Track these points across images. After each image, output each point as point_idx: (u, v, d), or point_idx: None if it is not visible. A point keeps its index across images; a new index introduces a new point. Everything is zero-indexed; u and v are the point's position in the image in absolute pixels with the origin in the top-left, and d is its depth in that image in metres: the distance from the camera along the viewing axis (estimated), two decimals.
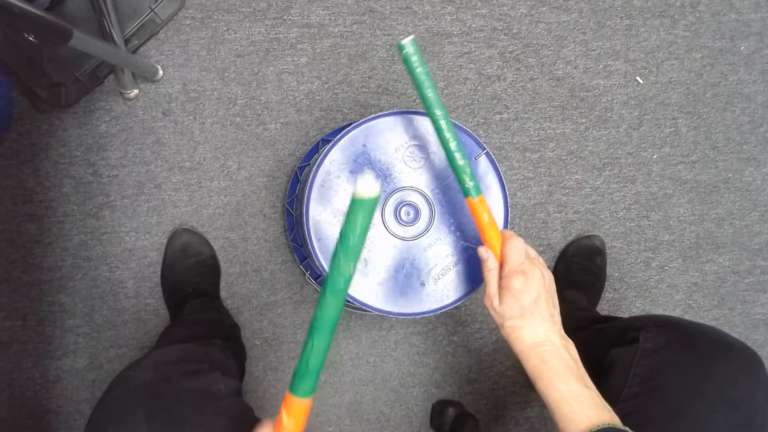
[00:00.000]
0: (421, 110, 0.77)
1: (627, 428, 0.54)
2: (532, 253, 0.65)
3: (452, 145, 0.65)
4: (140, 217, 1.04)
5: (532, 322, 0.61)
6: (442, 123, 0.65)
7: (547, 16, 1.13)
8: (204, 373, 0.64)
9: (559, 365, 0.58)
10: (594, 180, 1.14)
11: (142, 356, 0.66)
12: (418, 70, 0.63)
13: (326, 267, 0.75)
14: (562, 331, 0.62)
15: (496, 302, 0.63)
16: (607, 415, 0.55)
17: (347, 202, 0.75)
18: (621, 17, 1.14)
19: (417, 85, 0.64)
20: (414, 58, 0.62)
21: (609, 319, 0.90)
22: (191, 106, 1.05)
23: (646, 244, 1.15)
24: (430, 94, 0.64)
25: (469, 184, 0.66)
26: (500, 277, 0.64)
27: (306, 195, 0.75)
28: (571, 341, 0.62)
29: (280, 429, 0.48)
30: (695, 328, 0.68)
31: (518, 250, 0.63)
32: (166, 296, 1.04)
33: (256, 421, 0.64)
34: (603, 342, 0.76)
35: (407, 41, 0.61)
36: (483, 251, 0.66)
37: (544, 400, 0.58)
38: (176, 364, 0.64)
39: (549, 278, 0.64)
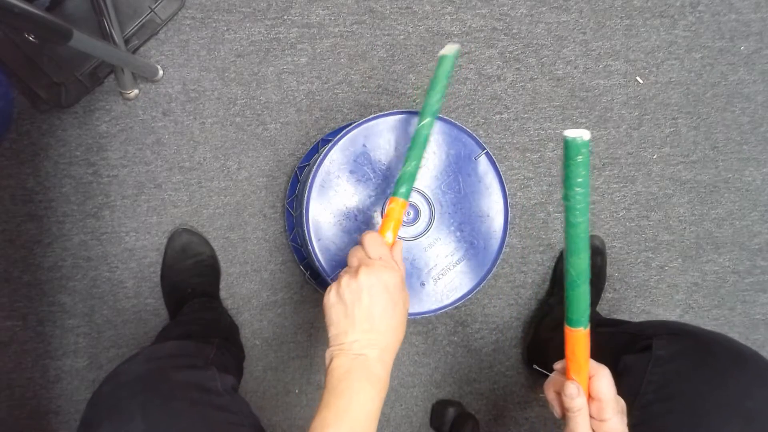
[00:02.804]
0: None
1: None
2: None
3: (584, 259, 0.53)
4: (140, 217, 1.04)
5: None
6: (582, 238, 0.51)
7: (547, 16, 1.13)
8: (199, 368, 0.63)
9: None
10: (594, 180, 1.14)
11: (135, 352, 0.65)
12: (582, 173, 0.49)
13: (326, 267, 0.75)
14: None
15: None
16: None
17: (347, 202, 0.76)
18: (621, 17, 1.14)
19: (573, 183, 0.49)
20: (580, 158, 0.48)
21: (614, 323, 0.89)
22: (191, 106, 1.05)
23: (646, 244, 1.15)
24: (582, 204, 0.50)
25: (584, 313, 0.55)
26: (591, 416, 0.55)
27: (306, 195, 0.75)
28: None
29: (387, 221, 0.66)
30: (708, 336, 0.67)
31: (612, 382, 0.55)
32: (166, 296, 1.04)
33: (254, 417, 0.64)
34: (612, 347, 0.76)
35: (582, 137, 0.47)
36: (573, 387, 0.54)
37: None
38: (170, 357, 0.63)
39: None
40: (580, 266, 0.52)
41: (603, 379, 0.55)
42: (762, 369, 0.62)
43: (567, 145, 0.47)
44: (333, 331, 0.59)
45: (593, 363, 0.56)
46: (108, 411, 0.56)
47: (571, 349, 0.56)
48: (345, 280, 0.59)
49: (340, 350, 0.57)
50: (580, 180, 0.48)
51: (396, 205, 0.66)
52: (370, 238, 0.62)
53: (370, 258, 0.61)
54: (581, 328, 0.55)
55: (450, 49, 0.70)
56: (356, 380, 0.55)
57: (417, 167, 0.68)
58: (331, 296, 0.60)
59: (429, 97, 0.69)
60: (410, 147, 0.69)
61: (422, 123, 0.68)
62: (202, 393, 0.60)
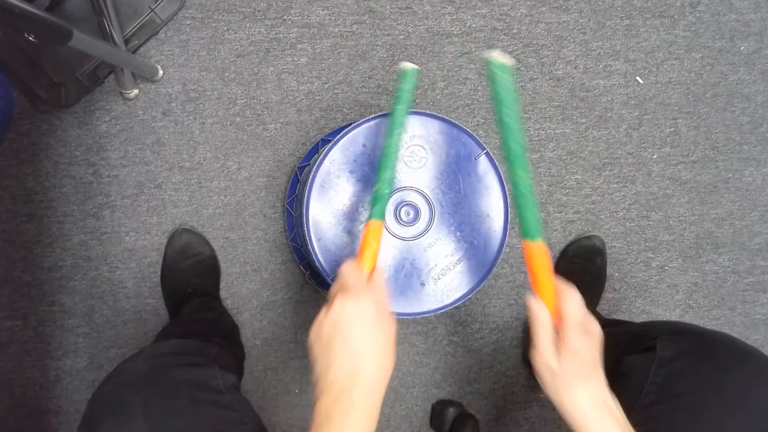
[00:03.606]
0: (421, 111, 0.77)
1: None
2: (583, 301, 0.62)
3: (523, 175, 0.60)
4: (140, 217, 1.04)
5: (593, 384, 0.56)
6: (521, 153, 0.60)
7: (547, 16, 1.13)
8: (201, 366, 0.64)
9: (614, 428, 0.54)
10: (594, 180, 1.14)
11: (138, 350, 0.65)
12: (508, 94, 0.59)
13: (326, 267, 0.75)
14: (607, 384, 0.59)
15: (552, 362, 0.56)
16: None
17: (347, 202, 0.76)
18: (621, 17, 1.14)
19: (501, 115, 0.59)
20: (504, 80, 0.58)
21: (615, 323, 0.90)
22: (191, 106, 1.05)
23: (646, 244, 1.15)
24: (515, 125, 0.59)
25: (534, 224, 0.60)
26: (555, 332, 0.57)
27: (306, 195, 0.75)
28: (612, 394, 0.58)
29: (364, 247, 0.63)
30: (712, 335, 0.68)
31: (579, 303, 0.58)
32: (166, 296, 1.04)
33: (255, 416, 0.64)
34: (615, 348, 0.76)
35: (501, 60, 0.57)
36: (534, 302, 0.59)
37: None
38: (172, 355, 0.63)
39: (599, 331, 0.59)
40: (518, 179, 0.60)
41: (568, 298, 0.57)
42: (764, 366, 0.62)
43: (488, 66, 0.58)
44: (317, 368, 0.57)
45: (561, 283, 0.59)
46: (110, 408, 0.56)
47: (530, 264, 0.60)
48: (322, 313, 0.58)
49: (322, 391, 0.55)
50: (507, 100, 0.58)
51: (372, 228, 0.65)
52: (345, 268, 0.60)
53: (346, 287, 0.59)
54: (539, 239, 0.60)
55: (409, 65, 0.70)
56: (340, 420, 0.53)
57: (390, 184, 0.68)
58: (312, 332, 0.58)
59: (395, 112, 0.69)
60: (380, 164, 0.68)
61: (391, 137, 0.69)
62: (204, 391, 0.60)
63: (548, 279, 0.59)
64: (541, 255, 0.60)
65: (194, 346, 0.69)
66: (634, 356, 0.70)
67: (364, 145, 0.76)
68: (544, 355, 0.57)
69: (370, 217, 0.66)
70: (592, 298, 1.08)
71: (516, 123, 0.59)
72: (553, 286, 0.59)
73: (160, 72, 1.03)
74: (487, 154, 0.78)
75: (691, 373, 0.63)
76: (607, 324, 0.90)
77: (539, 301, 0.59)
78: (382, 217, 0.67)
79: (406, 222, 0.77)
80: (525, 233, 0.61)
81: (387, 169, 0.68)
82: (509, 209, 0.79)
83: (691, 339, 0.67)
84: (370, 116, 0.76)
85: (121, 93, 1.02)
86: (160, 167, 1.05)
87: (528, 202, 0.60)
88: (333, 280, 0.74)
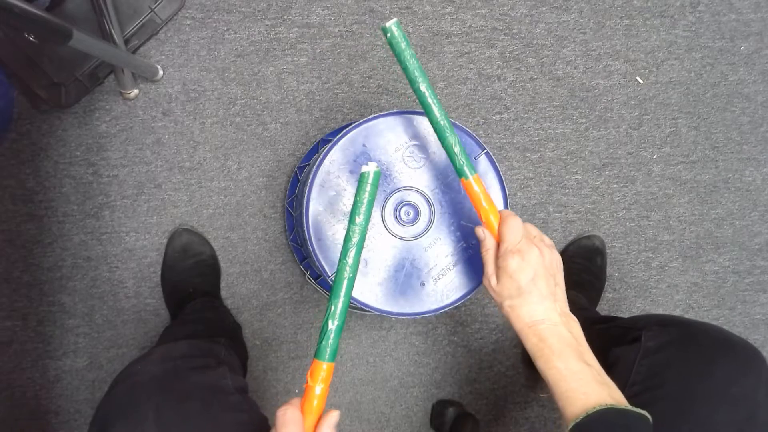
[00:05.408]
0: (420, 110, 0.77)
1: (627, 405, 0.54)
2: (534, 231, 0.65)
3: (443, 123, 0.64)
4: (140, 217, 1.04)
5: (530, 301, 0.61)
6: (431, 101, 0.63)
7: (547, 16, 1.13)
8: (212, 368, 0.64)
9: (557, 343, 0.58)
10: (594, 180, 1.14)
11: (149, 351, 0.65)
12: (404, 49, 0.61)
13: (326, 267, 0.75)
14: (566, 309, 0.62)
15: (494, 282, 0.64)
16: (605, 391, 0.55)
17: (347, 202, 0.76)
18: (621, 17, 1.14)
19: (403, 66, 0.62)
20: (399, 40, 0.61)
21: (610, 320, 0.90)
22: (191, 106, 1.05)
23: (646, 244, 1.15)
24: (417, 73, 0.62)
25: (462, 163, 0.65)
26: (497, 257, 0.64)
27: (306, 195, 0.75)
28: (574, 318, 0.62)
29: (308, 393, 0.52)
30: (697, 326, 0.68)
31: (515, 228, 0.63)
32: (167, 296, 1.04)
33: (262, 417, 0.64)
34: (605, 342, 0.77)
35: (392, 24, 0.60)
36: (480, 231, 0.66)
37: (544, 379, 0.58)
38: (184, 358, 0.64)
39: (550, 256, 0.63)
40: (437, 128, 0.65)
41: (504, 225, 0.64)
42: (749, 356, 0.62)
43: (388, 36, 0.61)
44: None
45: (505, 212, 0.65)
46: (122, 411, 0.56)
47: (472, 199, 0.66)
48: None
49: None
50: (410, 60, 0.62)
51: (316, 371, 0.51)
52: (283, 417, 0.49)
53: None
54: (473, 176, 0.65)
55: (371, 166, 0.53)
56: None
57: (343, 316, 0.53)
58: None
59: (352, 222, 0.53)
60: (333, 288, 0.53)
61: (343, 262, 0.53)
62: (215, 394, 0.61)
63: (491, 208, 0.65)
64: (477, 188, 0.65)
65: (204, 348, 0.70)
66: (621, 347, 0.71)
67: (364, 145, 0.76)
68: (488, 277, 0.64)
69: (315, 354, 0.52)
70: (592, 298, 1.09)
71: (421, 74, 0.62)
72: (497, 215, 0.65)
73: (160, 72, 1.03)
74: (487, 154, 0.78)
75: (676, 364, 0.64)
76: (600, 321, 0.91)
77: (485, 230, 0.65)
78: (332, 359, 0.52)
79: (406, 222, 0.77)
80: (460, 174, 0.65)
81: (338, 297, 0.52)
82: (509, 209, 0.78)
83: (677, 330, 0.68)
84: (370, 116, 0.76)
85: (121, 93, 1.02)
86: (160, 167, 1.05)
87: (452, 147, 0.64)
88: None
